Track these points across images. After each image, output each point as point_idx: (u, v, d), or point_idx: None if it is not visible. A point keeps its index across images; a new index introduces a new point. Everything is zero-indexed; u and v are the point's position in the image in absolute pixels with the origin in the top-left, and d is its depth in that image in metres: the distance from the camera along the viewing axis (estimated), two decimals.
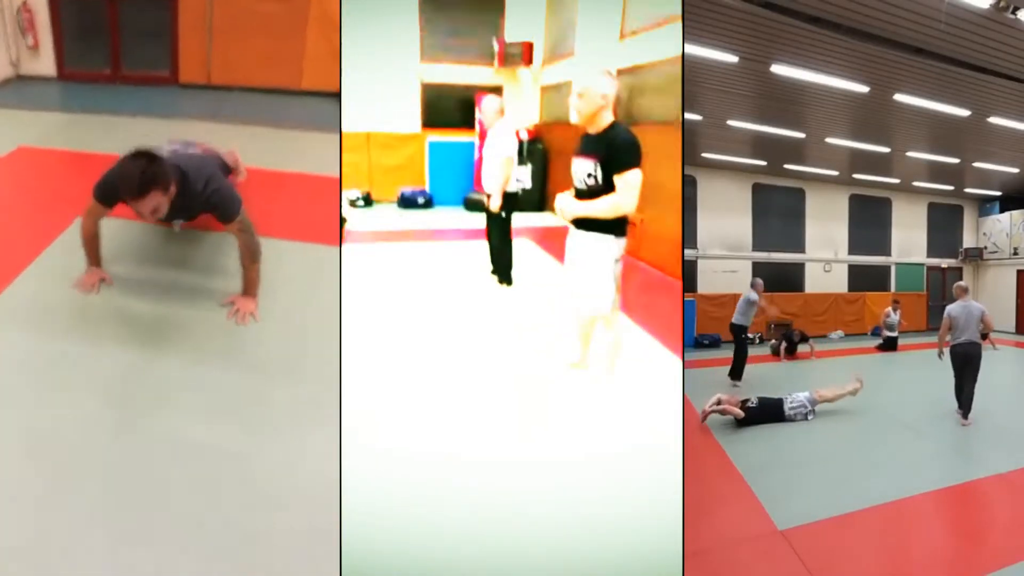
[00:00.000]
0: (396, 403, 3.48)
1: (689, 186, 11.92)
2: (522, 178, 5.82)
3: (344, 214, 7.27)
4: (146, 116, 5.79)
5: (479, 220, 6.01)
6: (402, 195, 10.49)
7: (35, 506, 2.40)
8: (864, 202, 14.47)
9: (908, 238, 15.03)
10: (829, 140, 10.64)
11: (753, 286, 7.88)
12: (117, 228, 3.78)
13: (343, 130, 6.12)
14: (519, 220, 5.67)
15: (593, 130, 3.23)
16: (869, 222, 14.54)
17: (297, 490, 2.58)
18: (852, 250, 14.33)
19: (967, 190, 14.76)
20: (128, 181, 2.97)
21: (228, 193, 3.37)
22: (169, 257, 3.86)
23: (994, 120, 9.15)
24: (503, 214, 5.45)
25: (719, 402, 5.62)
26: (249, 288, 3.45)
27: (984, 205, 15.49)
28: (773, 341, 10.56)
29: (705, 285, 12.18)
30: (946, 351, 6.01)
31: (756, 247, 13.07)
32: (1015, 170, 12.45)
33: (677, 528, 2.63)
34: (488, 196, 5.44)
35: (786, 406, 5.79)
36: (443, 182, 10.67)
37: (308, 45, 6.44)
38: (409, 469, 2.88)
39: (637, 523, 2.66)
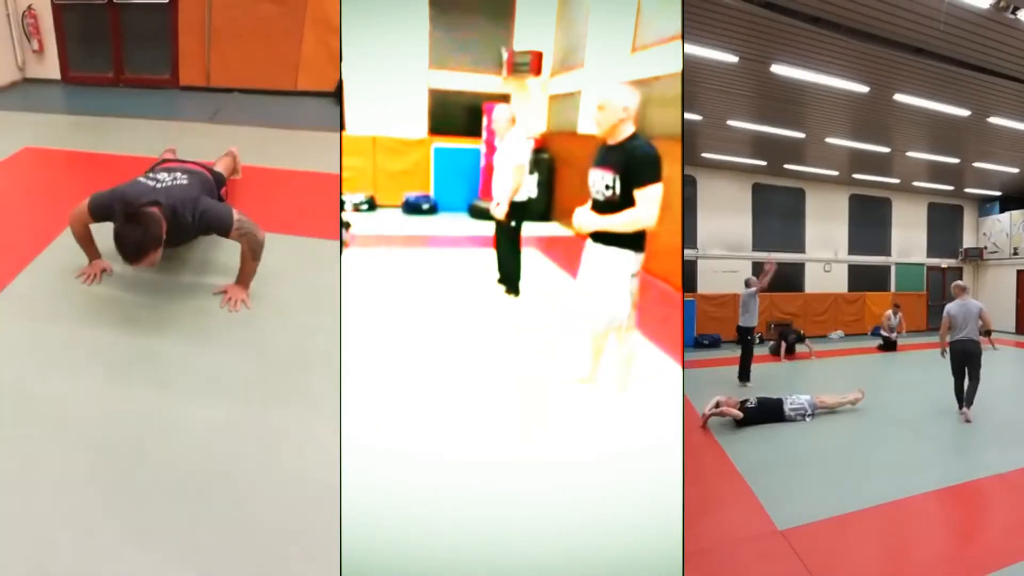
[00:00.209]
0: (396, 404, 3.48)
1: (689, 186, 11.92)
2: (528, 187, 5.78)
3: (348, 218, 7.29)
4: (148, 118, 5.84)
5: (484, 227, 5.96)
6: (407, 200, 10.48)
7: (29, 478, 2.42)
8: (864, 202, 14.47)
9: (908, 238, 15.03)
10: (829, 140, 10.65)
11: (748, 284, 7.93)
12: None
13: (349, 133, 6.14)
14: (525, 229, 5.63)
15: (612, 141, 3.15)
16: (869, 222, 14.54)
17: (297, 490, 2.58)
18: (852, 250, 14.33)
19: (967, 190, 14.76)
20: (126, 249, 3.15)
21: (216, 211, 3.48)
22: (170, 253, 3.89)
23: (994, 120, 9.15)
24: (512, 223, 5.36)
25: (717, 405, 5.63)
26: (243, 279, 3.56)
27: (984, 205, 15.49)
28: (772, 342, 10.57)
29: (705, 285, 12.18)
30: (948, 349, 6.03)
31: (756, 247, 13.07)
32: (1015, 170, 12.46)
33: (677, 528, 2.63)
34: (497, 204, 5.36)
35: (786, 406, 5.80)
36: (448, 188, 10.66)
37: (304, 47, 6.52)
38: (409, 469, 2.88)
39: (637, 523, 2.66)
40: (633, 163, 3.06)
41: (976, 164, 12.18)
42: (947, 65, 6.93)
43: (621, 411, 3.43)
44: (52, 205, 4.13)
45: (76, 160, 5.06)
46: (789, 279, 13.31)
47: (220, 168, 4.38)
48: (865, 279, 14.33)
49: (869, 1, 5.63)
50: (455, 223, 9.68)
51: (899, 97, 8.18)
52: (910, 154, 11.59)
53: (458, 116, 11.18)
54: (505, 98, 10.82)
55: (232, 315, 3.45)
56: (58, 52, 6.78)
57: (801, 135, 10.33)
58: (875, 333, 12.33)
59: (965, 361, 5.83)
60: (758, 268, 12.50)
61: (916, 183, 14.07)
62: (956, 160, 11.97)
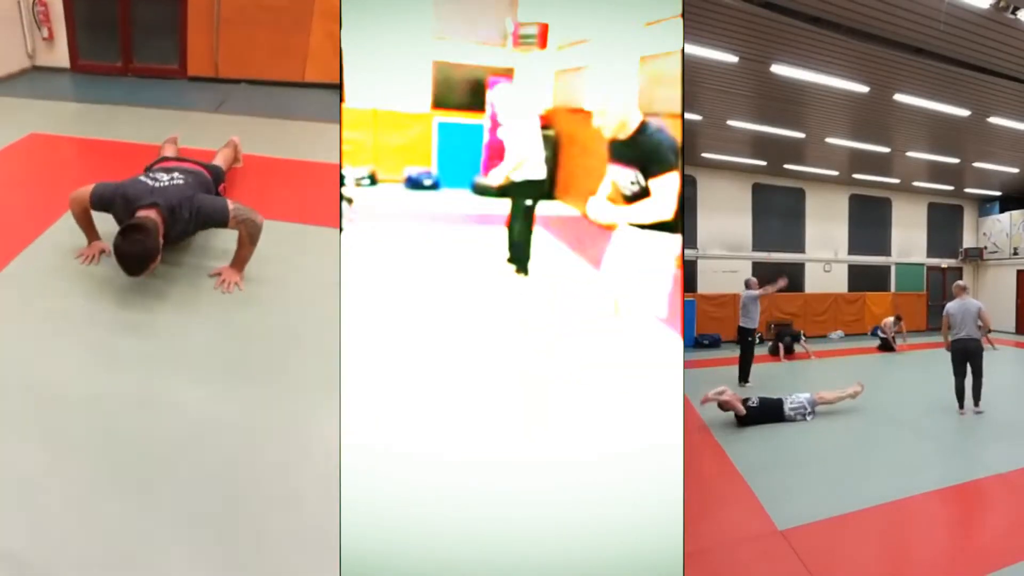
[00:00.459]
0: (396, 403, 3.47)
1: (689, 186, 11.90)
2: (540, 166, 5.70)
3: (349, 193, 7.21)
4: (155, 107, 5.89)
5: (487, 204, 5.88)
6: (408, 176, 10.37)
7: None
8: (864, 202, 14.46)
9: (908, 238, 15.02)
10: (829, 140, 10.64)
11: (748, 285, 7.92)
12: None
13: (348, 105, 6.09)
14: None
15: (623, 135, 3.04)
16: (869, 222, 14.53)
17: (297, 490, 2.58)
18: (852, 250, 14.32)
19: (967, 190, 14.75)
20: (127, 263, 3.27)
21: (211, 206, 3.57)
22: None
23: (994, 120, 9.15)
24: (528, 202, 5.29)
25: (723, 392, 5.64)
26: (238, 263, 3.65)
27: (984, 205, 15.48)
28: (770, 343, 10.57)
29: (705, 285, 12.17)
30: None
31: (756, 247, 13.06)
32: (1015, 170, 12.45)
33: (677, 528, 2.63)
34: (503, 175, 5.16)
35: (786, 406, 5.80)
36: (451, 164, 10.52)
37: (313, 39, 6.54)
38: (409, 468, 2.88)
39: (637, 523, 2.65)
40: (647, 153, 2.98)
41: (976, 164, 12.18)
42: (947, 65, 6.93)
43: (621, 411, 3.43)
44: (55, 189, 4.17)
45: (80, 146, 5.12)
46: (789, 279, 13.28)
47: (220, 158, 4.43)
48: (865, 279, 14.32)
49: (869, 1, 5.63)
50: (458, 200, 9.56)
51: (899, 97, 8.18)
52: (910, 154, 11.59)
53: (462, 90, 11.04)
54: (510, 72, 10.65)
55: (227, 296, 3.53)
56: (68, 41, 6.80)
57: (801, 135, 10.32)
58: (875, 333, 12.33)
59: (966, 359, 5.86)
60: (758, 268, 12.51)
61: (916, 183, 14.07)
62: (956, 160, 11.97)
